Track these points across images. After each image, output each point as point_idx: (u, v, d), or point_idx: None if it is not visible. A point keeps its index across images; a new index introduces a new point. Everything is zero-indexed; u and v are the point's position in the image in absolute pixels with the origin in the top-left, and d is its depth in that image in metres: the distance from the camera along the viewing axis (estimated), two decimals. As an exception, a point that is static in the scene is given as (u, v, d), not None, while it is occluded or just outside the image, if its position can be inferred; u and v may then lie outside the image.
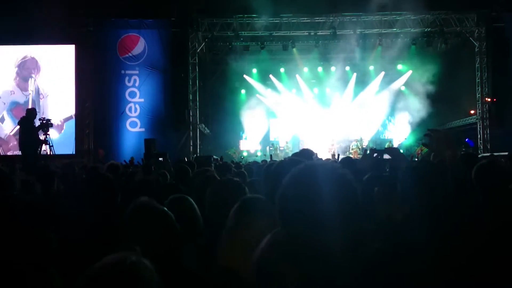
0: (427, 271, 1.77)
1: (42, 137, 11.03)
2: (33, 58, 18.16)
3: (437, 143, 3.05)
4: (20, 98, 17.97)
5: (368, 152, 3.45)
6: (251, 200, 2.23)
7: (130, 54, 18.17)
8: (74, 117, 18.12)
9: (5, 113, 17.78)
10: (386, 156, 3.33)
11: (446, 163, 2.69)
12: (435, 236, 1.97)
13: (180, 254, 2.23)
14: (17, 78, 18.08)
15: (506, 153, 10.56)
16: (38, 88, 18.07)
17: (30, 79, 18.07)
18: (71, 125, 18.10)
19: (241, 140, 23.57)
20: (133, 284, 1.15)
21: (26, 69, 18.11)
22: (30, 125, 10.67)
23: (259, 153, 22.56)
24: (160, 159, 11.87)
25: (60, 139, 17.53)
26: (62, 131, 17.96)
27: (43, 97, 18.06)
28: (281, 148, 21.72)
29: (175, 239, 2.17)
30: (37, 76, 18.13)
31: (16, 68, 18.09)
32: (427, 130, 3.13)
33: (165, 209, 2.27)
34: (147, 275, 1.19)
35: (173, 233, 2.17)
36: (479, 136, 19.45)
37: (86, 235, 2.56)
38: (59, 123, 17.80)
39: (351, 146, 21.23)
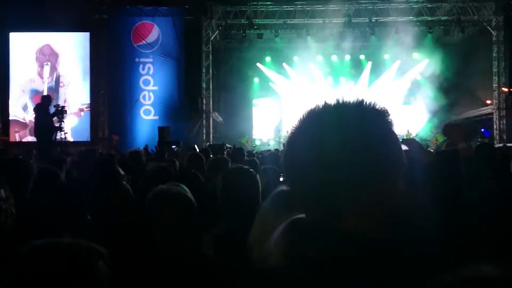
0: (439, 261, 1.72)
1: (57, 124, 11.14)
2: (49, 45, 18.32)
3: (454, 135, 3.09)
4: (40, 86, 18.18)
5: None
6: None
7: (144, 42, 18.20)
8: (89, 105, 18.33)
9: (28, 101, 17.98)
10: (403, 147, 3.24)
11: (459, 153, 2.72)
12: (449, 225, 1.96)
13: (199, 241, 2.22)
14: (36, 66, 18.28)
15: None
16: (59, 76, 18.26)
17: (48, 66, 18.25)
18: (86, 112, 18.29)
19: (253, 129, 23.55)
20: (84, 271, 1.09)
21: (44, 56, 18.29)
22: (45, 112, 10.77)
23: (272, 142, 22.52)
24: (174, 147, 11.96)
25: (76, 127, 17.73)
26: (79, 118, 18.18)
27: (63, 85, 18.24)
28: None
29: (196, 225, 2.16)
30: (56, 63, 18.30)
31: (35, 56, 18.29)
32: (444, 126, 3.18)
33: (188, 194, 2.25)
34: (100, 266, 1.12)
35: (195, 218, 2.16)
36: (495, 126, 19.20)
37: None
38: (77, 111, 18.00)
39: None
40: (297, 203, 1.02)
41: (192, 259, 2.01)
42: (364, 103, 1.01)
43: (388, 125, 1.01)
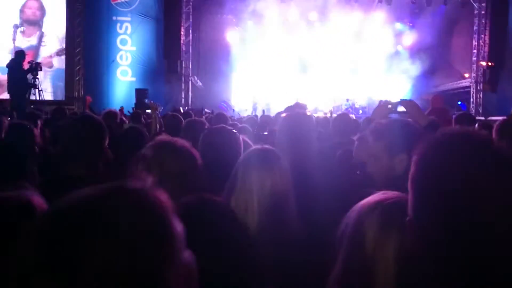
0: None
1: (31, 80, 10.76)
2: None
3: (412, 112, 3.11)
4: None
5: (381, 103, 3.23)
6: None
7: (122, 0, 17.60)
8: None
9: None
10: (400, 109, 3.18)
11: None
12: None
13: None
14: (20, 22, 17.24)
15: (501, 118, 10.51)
16: (42, 35, 17.32)
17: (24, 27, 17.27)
18: (61, 71, 17.62)
19: (232, 95, 23.26)
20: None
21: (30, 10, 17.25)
22: (19, 67, 10.37)
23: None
24: (148, 111, 11.71)
25: (50, 85, 17.14)
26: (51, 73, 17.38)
27: (45, 45, 17.31)
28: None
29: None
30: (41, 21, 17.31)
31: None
32: (400, 100, 3.21)
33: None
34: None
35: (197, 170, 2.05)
36: (472, 99, 19.43)
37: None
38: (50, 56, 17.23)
39: (342, 106, 21.05)
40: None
41: None
42: None
43: None
